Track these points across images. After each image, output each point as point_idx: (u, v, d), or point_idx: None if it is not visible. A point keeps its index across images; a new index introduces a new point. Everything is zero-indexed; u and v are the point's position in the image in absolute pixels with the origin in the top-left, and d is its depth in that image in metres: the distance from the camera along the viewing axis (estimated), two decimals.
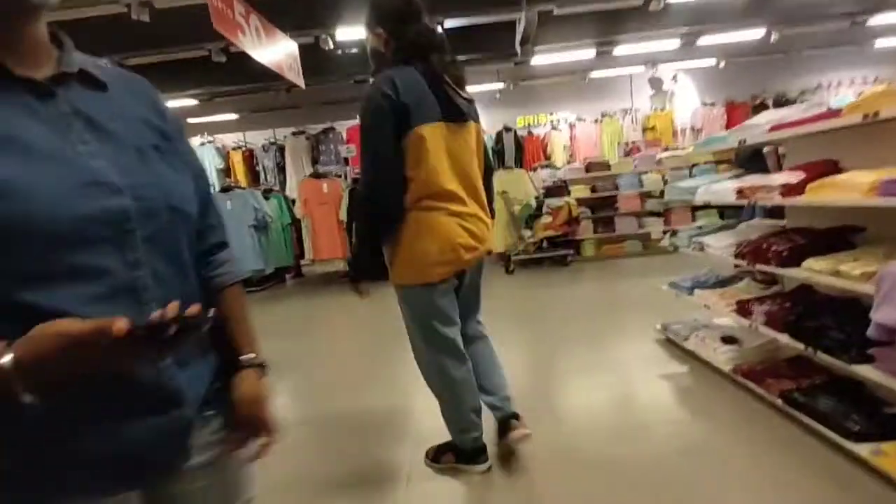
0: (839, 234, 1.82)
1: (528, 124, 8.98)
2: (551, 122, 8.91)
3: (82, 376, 0.45)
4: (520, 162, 8.55)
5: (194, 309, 0.47)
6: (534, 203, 5.60)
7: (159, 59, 5.94)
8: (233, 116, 8.56)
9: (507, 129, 8.74)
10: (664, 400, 2.27)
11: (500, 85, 8.70)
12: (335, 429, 2.27)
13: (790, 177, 1.87)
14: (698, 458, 1.75)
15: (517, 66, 7.84)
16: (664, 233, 5.56)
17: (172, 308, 0.47)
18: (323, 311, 4.85)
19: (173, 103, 7.53)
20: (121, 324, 0.42)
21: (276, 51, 4.02)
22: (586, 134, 8.69)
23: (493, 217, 1.68)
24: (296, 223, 5.84)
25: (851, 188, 1.55)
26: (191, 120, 7.66)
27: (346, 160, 7.11)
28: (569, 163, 7.00)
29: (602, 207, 5.99)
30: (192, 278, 0.63)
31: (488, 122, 9.09)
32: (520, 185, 5.85)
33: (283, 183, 6.78)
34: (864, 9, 6.30)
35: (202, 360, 0.64)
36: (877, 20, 6.93)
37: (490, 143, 8.69)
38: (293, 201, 6.00)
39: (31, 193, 0.46)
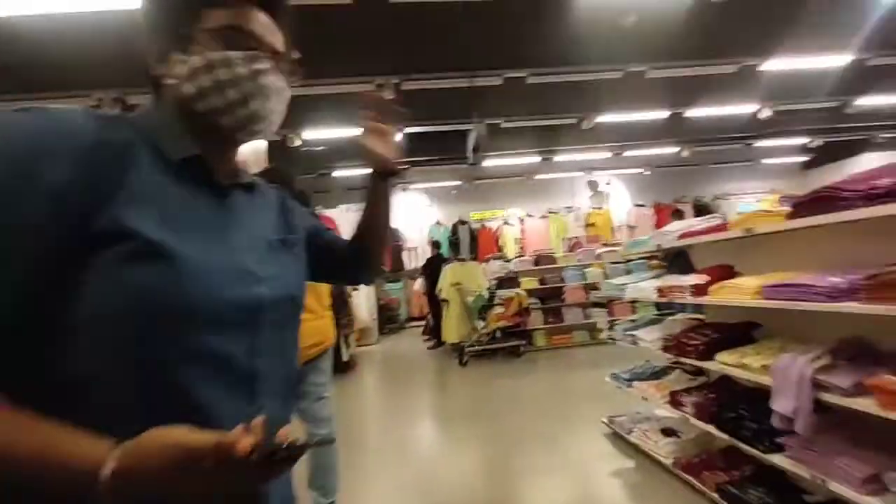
0: (743, 330, 2.05)
1: (483, 218, 9.63)
2: (503, 217, 9.61)
3: (181, 495, 0.40)
4: (474, 253, 8.97)
5: (302, 436, 0.44)
6: (486, 294, 5.78)
7: None
8: None
9: (463, 223, 9.29)
10: (614, 499, 2.24)
11: (456, 182, 9.44)
12: None
13: (697, 279, 2.13)
14: None
15: (471, 167, 8.63)
16: (608, 323, 5.86)
17: (286, 432, 0.44)
18: None
19: None
20: (245, 443, 0.39)
21: (246, 148, 4.26)
22: (535, 228, 9.39)
23: None
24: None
25: (742, 291, 1.80)
26: None
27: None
28: (519, 255, 7.43)
29: (550, 298, 6.27)
30: (291, 368, 0.63)
31: (444, 215, 9.67)
32: (473, 277, 6.08)
33: None
34: (751, 134, 7.67)
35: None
36: (761, 143, 8.44)
37: (446, 235, 9.15)
38: None
39: (204, 272, 0.49)
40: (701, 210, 9.32)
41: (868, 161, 7.93)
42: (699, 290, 2.09)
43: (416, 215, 9.60)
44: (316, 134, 5.73)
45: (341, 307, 4.93)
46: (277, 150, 5.10)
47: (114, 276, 0.44)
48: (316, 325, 1.82)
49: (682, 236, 2.37)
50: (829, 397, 1.44)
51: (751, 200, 9.28)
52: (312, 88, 4.56)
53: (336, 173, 8.03)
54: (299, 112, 5.25)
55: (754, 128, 7.24)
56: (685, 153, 8.41)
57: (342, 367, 5.41)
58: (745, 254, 2.19)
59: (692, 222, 2.52)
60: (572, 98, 5.93)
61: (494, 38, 4.27)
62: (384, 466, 2.83)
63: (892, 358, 1.45)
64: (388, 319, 8.63)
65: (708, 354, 2.00)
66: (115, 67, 4.07)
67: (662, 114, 6.55)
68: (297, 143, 5.65)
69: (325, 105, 5.14)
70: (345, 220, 8.19)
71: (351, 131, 5.70)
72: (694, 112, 6.60)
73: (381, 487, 2.52)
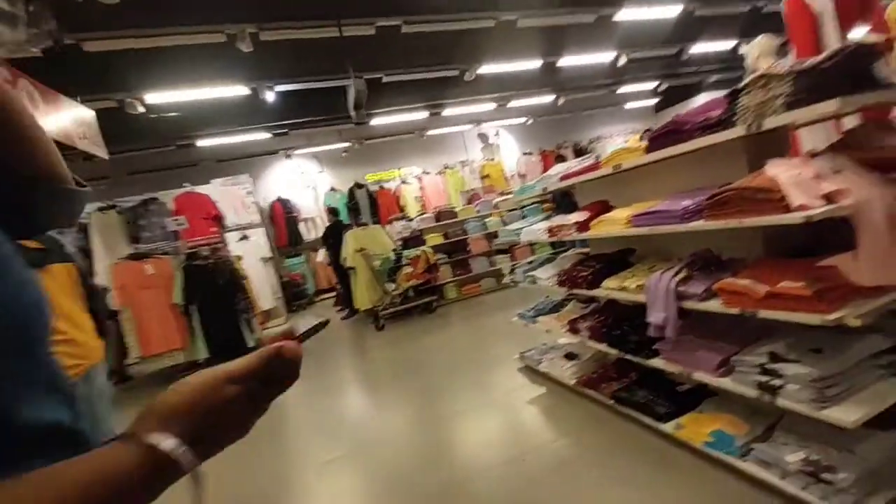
0: (621, 257, 2.30)
1: (380, 180, 9.34)
2: (400, 176, 9.43)
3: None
4: (376, 217, 8.75)
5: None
6: (392, 256, 5.72)
7: None
8: None
9: (359, 186, 8.92)
10: (532, 425, 2.47)
11: (345, 144, 8.92)
12: None
13: (580, 216, 2.32)
14: (564, 471, 1.93)
15: (359, 127, 8.18)
16: (511, 268, 6.27)
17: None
18: None
19: None
20: (291, 342, 0.46)
21: (61, 119, 3.43)
22: (434, 185, 9.41)
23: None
24: (112, 316, 4.81)
25: (616, 223, 2.00)
26: None
27: (175, 234, 6.26)
28: (421, 213, 7.44)
29: (456, 251, 6.45)
30: None
31: (338, 181, 9.17)
32: (377, 241, 5.94)
33: (88, 269, 5.57)
34: (613, 81, 8.44)
35: None
36: (623, 89, 9.36)
37: (343, 201, 8.73)
38: (105, 290, 4.97)
39: None
40: (580, 153, 10.19)
41: (704, 101, 9.36)
42: (582, 226, 2.28)
43: (308, 183, 8.96)
44: (164, 97, 4.84)
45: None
46: (113, 120, 4.23)
47: None
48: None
49: (563, 178, 2.52)
50: (688, 303, 1.69)
51: (620, 142, 10.38)
52: (154, 40, 3.79)
53: (201, 143, 6.99)
54: (139, 71, 4.36)
55: (615, 75, 7.97)
56: (560, 101, 8.98)
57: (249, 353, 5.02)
58: (617, 189, 2.42)
59: (570, 164, 2.69)
60: (452, 49, 5.84)
61: None
62: (316, 442, 2.75)
63: (731, 264, 1.74)
64: (296, 296, 8.16)
65: (595, 283, 2.22)
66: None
67: (536, 63, 6.82)
68: (140, 109, 4.72)
69: (172, 61, 4.33)
70: (221, 196, 7.29)
71: (209, 91, 4.94)
72: (564, 61, 7.00)
73: (315, 462, 2.45)
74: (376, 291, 5.70)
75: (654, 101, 11.30)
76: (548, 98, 8.69)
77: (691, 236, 1.79)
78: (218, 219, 6.09)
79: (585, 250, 2.97)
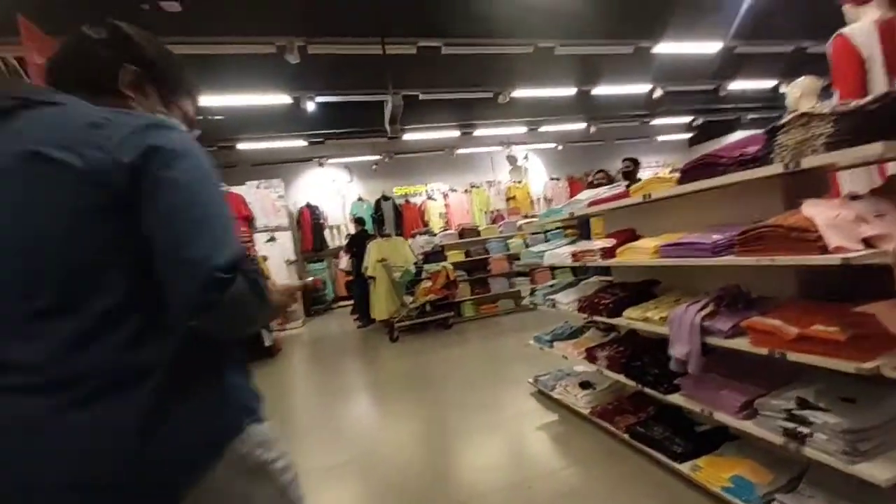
0: (645, 287, 2.26)
1: (406, 194, 9.51)
2: (426, 191, 9.58)
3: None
4: (400, 229, 8.87)
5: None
6: (413, 269, 5.77)
7: None
8: None
9: (386, 198, 9.09)
10: (541, 451, 2.41)
11: (376, 157, 9.15)
12: None
13: (606, 242, 2.30)
14: (568, 501, 1.87)
15: (391, 141, 8.41)
16: (531, 291, 6.22)
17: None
18: None
19: None
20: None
21: None
22: (459, 203, 9.51)
23: None
24: None
25: (643, 252, 1.97)
26: None
27: None
28: (444, 229, 7.50)
29: (476, 270, 6.45)
30: None
31: (366, 191, 9.38)
32: (399, 252, 6.01)
33: None
34: (648, 112, 8.43)
35: None
36: (656, 122, 9.33)
37: (369, 211, 8.91)
38: None
39: None
40: (609, 183, 10.10)
41: (740, 138, 9.22)
42: (607, 252, 2.26)
43: (337, 191, 9.19)
44: (214, 101, 5.12)
45: None
46: None
47: None
48: None
49: (591, 204, 2.52)
50: (713, 340, 1.65)
51: (649, 173, 10.34)
52: (209, 48, 4.03)
53: (241, 146, 7.31)
54: (194, 75, 4.63)
55: (649, 106, 7.96)
56: (592, 129, 9.01)
57: (265, 353, 5.11)
58: (645, 218, 2.40)
59: (599, 191, 2.69)
60: (488, 72, 5.98)
61: (407, 3, 4.10)
62: (320, 447, 2.75)
63: (761, 302, 1.69)
64: (315, 301, 8.29)
65: (617, 311, 2.18)
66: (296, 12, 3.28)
67: (571, 90, 6.90)
68: None
69: (223, 67, 4.59)
70: (254, 197, 7.57)
71: (254, 98, 5.19)
72: (598, 90, 7.06)
73: (319, 466, 2.44)
74: (394, 303, 5.73)
75: (687, 135, 11.20)
76: (580, 125, 8.74)
77: (720, 271, 1.75)
78: (249, 219, 6.31)
79: (608, 279, 2.93)
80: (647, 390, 2.04)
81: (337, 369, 4.62)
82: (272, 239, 7.24)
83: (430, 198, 9.47)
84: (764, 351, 1.45)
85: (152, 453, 0.60)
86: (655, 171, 10.05)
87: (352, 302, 7.95)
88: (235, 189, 6.89)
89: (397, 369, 4.40)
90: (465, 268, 6.40)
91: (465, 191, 9.64)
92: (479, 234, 6.62)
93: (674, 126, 10.26)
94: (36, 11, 2.65)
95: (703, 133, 10.52)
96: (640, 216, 2.43)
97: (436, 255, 6.31)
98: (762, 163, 1.51)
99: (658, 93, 7.11)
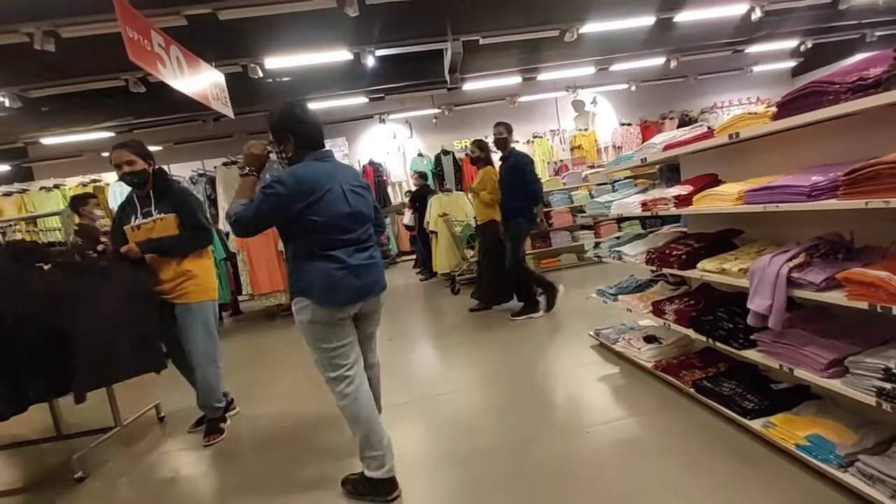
0: (724, 237, 2.09)
1: (466, 146, 9.34)
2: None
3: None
4: (460, 183, 8.83)
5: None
6: (474, 223, 5.78)
7: (68, 91, 5.55)
8: (157, 148, 8.11)
9: (446, 153, 9.02)
10: (601, 401, 2.42)
11: (436, 110, 9.01)
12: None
13: (681, 189, 2.13)
14: (629, 450, 1.89)
15: (451, 92, 8.18)
16: (595, 244, 5.98)
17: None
18: (265, 346, 4.64)
19: (88, 136, 7.01)
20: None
21: (200, 81, 3.93)
22: None
23: None
24: (231, 257, 5.58)
25: (725, 198, 1.80)
26: (107, 154, 7.18)
27: None
28: None
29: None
30: None
31: (426, 146, 9.35)
32: (460, 207, 6.03)
33: (214, 216, 6.46)
34: (741, 39, 7.30)
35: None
36: (752, 49, 8.06)
37: (430, 166, 8.92)
38: (227, 234, 5.75)
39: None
40: (687, 125, 9.15)
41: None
42: (683, 200, 2.10)
43: (398, 148, 9.27)
44: (280, 62, 5.27)
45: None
46: (237, 83, 4.73)
47: None
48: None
49: (667, 147, 2.32)
50: (801, 293, 1.50)
51: (739, 112, 9.13)
52: (275, 7, 4.11)
53: (308, 106, 7.55)
54: (258, 37, 4.79)
55: (744, 32, 6.86)
56: (672, 64, 8.03)
57: None
58: (731, 162, 2.17)
59: (676, 133, 2.46)
60: (553, 7, 5.48)
61: None
62: (390, 388, 2.99)
63: (864, 252, 1.50)
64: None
65: (690, 264, 2.06)
66: None
67: (648, 20, 6.12)
68: (260, 73, 5.20)
69: (284, 27, 4.68)
70: None
71: (317, 56, 5.26)
72: (682, 16, 6.18)
73: (386, 404, 2.67)
74: (455, 256, 5.84)
75: (790, 63, 9.59)
76: (657, 61, 7.83)
77: (814, 218, 1.56)
78: None
79: (680, 229, 2.74)
80: (719, 345, 1.94)
81: (402, 318, 4.89)
82: None
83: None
84: (863, 305, 1.30)
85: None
86: (747, 108, 8.87)
87: (414, 256, 8.22)
88: None
89: (459, 320, 4.56)
90: None
91: (528, 141, 9.25)
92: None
93: (774, 53, 8.80)
94: None
95: (812, 59, 8.88)
96: (724, 160, 2.20)
97: None
98: (887, 87, 1.27)
99: (757, 14, 6.09)
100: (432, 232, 6.04)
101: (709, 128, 2.18)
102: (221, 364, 2.53)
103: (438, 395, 2.78)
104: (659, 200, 2.28)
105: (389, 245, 8.89)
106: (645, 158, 2.51)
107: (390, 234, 8.98)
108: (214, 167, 7.40)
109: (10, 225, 2.71)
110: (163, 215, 2.33)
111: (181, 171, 7.79)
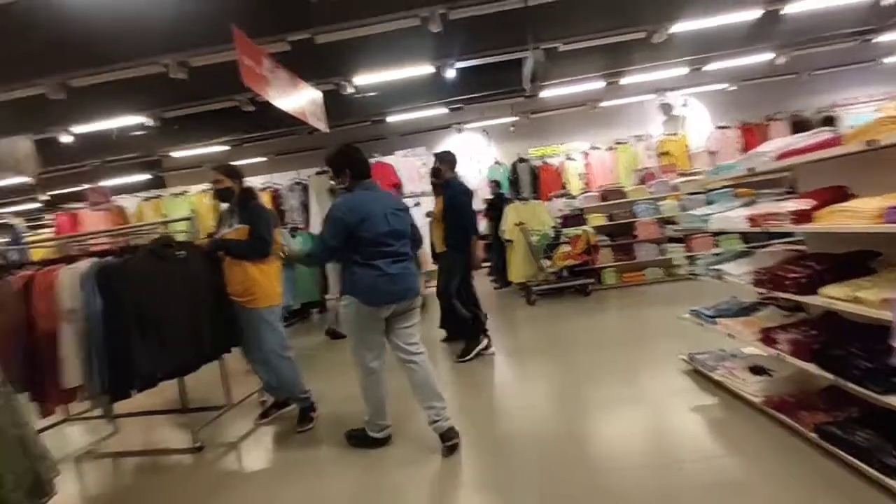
0: (855, 260, 1.80)
1: (543, 154, 9.16)
2: (565, 151, 9.07)
3: None
4: (536, 192, 8.67)
5: None
6: (551, 233, 5.64)
7: (194, 111, 6.42)
8: (261, 159, 9.05)
9: (522, 160, 8.93)
10: (694, 433, 2.20)
11: (514, 118, 8.96)
12: None
13: (800, 203, 1.88)
14: (731, 494, 1.70)
15: (528, 99, 8.10)
16: (686, 259, 5.50)
17: None
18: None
19: (207, 150, 8.05)
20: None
21: (300, 99, 4.32)
22: (601, 162, 8.79)
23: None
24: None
25: (859, 215, 1.56)
26: None
27: None
28: (584, 191, 7.06)
29: (620, 234, 5.97)
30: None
31: (502, 154, 9.33)
32: (537, 216, 5.92)
33: (307, 220, 7.05)
34: (872, 27, 6.31)
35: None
36: (884, 38, 6.91)
37: (506, 174, 8.89)
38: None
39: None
40: (801, 127, 8.13)
41: None
42: (802, 216, 1.85)
43: (474, 156, 9.36)
44: (367, 79, 5.62)
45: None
46: (330, 100, 5.11)
47: None
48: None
49: (782, 156, 2.06)
50: None
51: (866, 111, 7.84)
52: (358, 31, 4.41)
53: (390, 119, 7.94)
54: (349, 57, 5.14)
55: (876, 19, 5.92)
56: (780, 60, 7.15)
57: None
58: (862, 173, 1.87)
59: (791, 140, 2.18)
60: (640, 7, 5.19)
61: None
62: (455, 398, 3.00)
63: None
64: None
65: (810, 288, 1.80)
66: (176, 31, 4.21)
67: (753, 13, 5.52)
68: (350, 90, 5.58)
69: (372, 47, 4.98)
70: (402, 165, 8.24)
71: (400, 72, 5.51)
72: (794, 6, 5.47)
73: (455, 405, 2.68)
74: (531, 266, 5.74)
75: None
76: (762, 57, 7.04)
77: None
78: (397, 186, 6.93)
79: (797, 248, 2.42)
80: (852, 386, 1.67)
81: None
82: (417, 204, 7.82)
83: (568, 158, 8.96)
84: None
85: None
86: (876, 106, 7.59)
87: (488, 264, 8.21)
88: (386, 159, 7.59)
89: (533, 332, 4.46)
90: (608, 232, 5.97)
91: (609, 148, 8.82)
92: (624, 195, 6.05)
93: None
94: (242, 19, 3.25)
95: None
96: (854, 171, 1.91)
97: (575, 218, 6.03)
98: None
99: None
100: (508, 240, 5.99)
101: (833, 133, 1.90)
102: (290, 355, 2.79)
103: (509, 406, 2.73)
104: (770, 216, 2.04)
105: None
106: (753, 168, 2.26)
107: None
108: (308, 176, 8.09)
109: (153, 227, 3.25)
110: (239, 225, 2.69)
111: (280, 180, 8.63)
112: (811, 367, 1.86)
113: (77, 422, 3.29)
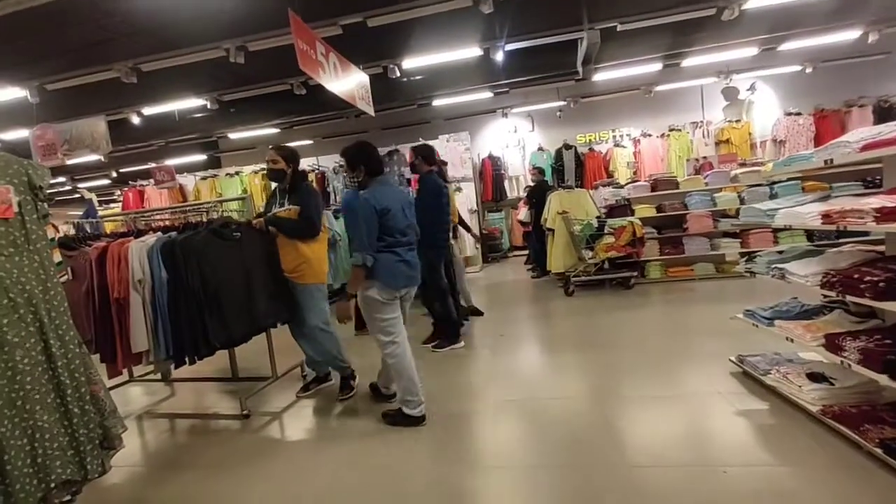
0: None
1: (590, 141, 8.82)
2: (614, 137, 8.69)
3: None
4: (580, 180, 8.41)
5: None
6: (595, 223, 5.46)
7: (249, 95, 6.68)
8: (308, 142, 9.33)
9: (567, 147, 8.66)
10: (742, 439, 2.09)
11: (561, 103, 8.67)
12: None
13: (886, 200, 1.71)
14: (777, 501, 1.62)
15: (578, 83, 7.78)
16: (741, 256, 5.17)
17: None
18: None
19: (260, 132, 8.38)
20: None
21: (350, 83, 4.38)
22: (652, 149, 8.36)
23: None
24: None
25: None
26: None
27: (408, 181, 7.43)
28: (633, 180, 6.76)
29: (668, 227, 5.69)
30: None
31: (547, 140, 9.07)
32: (580, 205, 5.75)
33: None
34: None
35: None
36: None
37: (549, 161, 8.66)
38: None
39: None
40: (887, 116, 7.35)
41: None
42: (887, 214, 1.68)
43: (517, 142, 9.17)
44: (414, 63, 5.61)
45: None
46: (378, 83, 5.15)
47: None
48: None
49: (867, 147, 1.87)
50: None
51: None
52: (406, 13, 4.38)
53: (436, 102, 7.89)
54: (399, 40, 5.14)
55: None
56: (872, 38, 6.42)
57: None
58: None
59: (880, 129, 1.97)
60: None
61: None
62: (491, 388, 3.02)
63: None
64: (491, 248, 8.78)
65: (890, 294, 1.65)
66: (236, 17, 4.37)
67: None
68: (397, 73, 5.60)
69: (420, 29, 4.95)
70: (446, 149, 8.21)
71: (449, 55, 5.45)
72: None
73: (487, 406, 2.72)
74: (572, 256, 5.61)
75: None
76: (848, 35, 6.35)
77: None
78: (444, 164, 6.93)
79: (874, 249, 2.21)
80: None
81: (511, 315, 4.88)
82: (459, 189, 7.81)
83: (617, 144, 8.58)
84: None
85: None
86: None
87: (526, 252, 8.10)
88: (431, 143, 7.59)
89: (571, 324, 4.38)
90: (655, 224, 5.71)
91: (662, 135, 8.36)
92: (677, 185, 5.73)
93: None
94: (297, 3, 3.31)
95: None
96: None
97: (620, 208, 5.80)
98: None
99: None
100: (549, 229, 5.87)
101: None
102: (332, 330, 2.95)
103: (544, 398, 2.71)
104: (849, 213, 1.87)
105: (502, 239, 8.91)
106: (831, 160, 2.07)
107: (503, 229, 8.99)
108: None
109: (213, 206, 3.45)
110: (290, 207, 2.84)
111: (326, 163, 8.86)
112: (882, 378, 1.72)
113: (139, 383, 3.61)
